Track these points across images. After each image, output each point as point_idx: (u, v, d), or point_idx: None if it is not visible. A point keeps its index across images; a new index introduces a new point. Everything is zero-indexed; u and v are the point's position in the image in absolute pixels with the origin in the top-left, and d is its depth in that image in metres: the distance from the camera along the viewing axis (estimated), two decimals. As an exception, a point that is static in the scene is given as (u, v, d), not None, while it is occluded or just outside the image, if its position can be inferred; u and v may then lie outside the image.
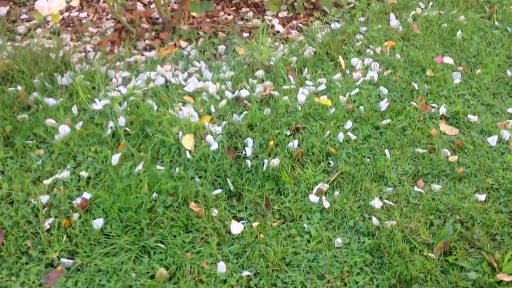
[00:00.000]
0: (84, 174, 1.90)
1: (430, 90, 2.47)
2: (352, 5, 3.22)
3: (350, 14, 3.12)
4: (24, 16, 2.96)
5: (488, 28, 2.92)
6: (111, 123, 2.14)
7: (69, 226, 1.71)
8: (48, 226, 1.70)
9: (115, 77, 2.43)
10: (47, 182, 1.86)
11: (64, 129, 2.07)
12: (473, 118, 2.28)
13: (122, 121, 2.14)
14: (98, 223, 1.72)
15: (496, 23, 2.97)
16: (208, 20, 3.00)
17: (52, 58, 2.43)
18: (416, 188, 1.92)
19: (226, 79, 2.49)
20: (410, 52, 2.73)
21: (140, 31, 2.78)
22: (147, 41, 2.76)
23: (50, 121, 2.11)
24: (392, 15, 3.06)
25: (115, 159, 1.97)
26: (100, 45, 2.71)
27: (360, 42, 2.81)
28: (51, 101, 2.24)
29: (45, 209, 1.76)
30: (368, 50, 2.75)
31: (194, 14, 2.89)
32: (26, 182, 1.85)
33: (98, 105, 2.21)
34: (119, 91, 2.32)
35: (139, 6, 3.00)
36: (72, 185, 1.86)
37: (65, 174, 1.89)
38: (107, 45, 2.71)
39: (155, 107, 2.25)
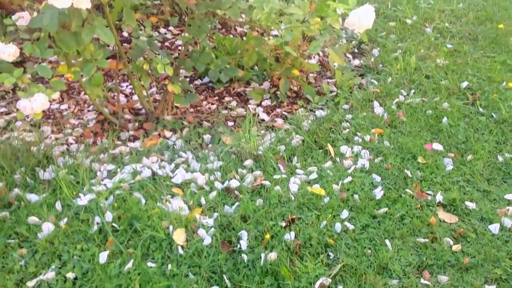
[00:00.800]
0: (70, 275, 1.84)
1: (424, 177, 2.54)
2: (334, 93, 3.36)
3: (333, 102, 3.24)
4: (2, 109, 2.97)
5: (473, 114, 3.07)
6: (97, 219, 2.11)
7: (56, 333, 1.64)
8: (33, 334, 1.62)
9: (100, 170, 2.43)
10: (31, 284, 1.80)
11: (47, 227, 2.03)
12: (471, 205, 2.34)
13: (109, 216, 2.11)
14: (87, 329, 1.65)
15: (481, 109, 3.12)
16: (191, 109, 3.08)
17: (33, 152, 2.43)
18: (422, 280, 1.92)
19: (215, 170, 2.51)
20: (398, 139, 2.83)
21: (123, 122, 2.82)
22: (130, 132, 2.80)
23: (33, 219, 2.07)
24: (376, 103, 3.20)
25: (103, 257, 1.93)
26: (83, 137, 2.73)
27: (347, 130, 2.91)
28: (33, 198, 2.21)
29: (30, 314, 1.69)
30: (356, 138, 2.84)
31: (177, 104, 2.96)
32: (8, 285, 1.78)
33: (83, 200, 2.19)
34: (105, 185, 2.31)
35: (121, 97, 3.06)
36: (57, 286, 1.80)
37: (50, 275, 1.83)
38: (90, 137, 2.73)
39: (143, 201, 2.24)
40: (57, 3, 2.05)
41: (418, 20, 4.31)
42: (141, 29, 3.85)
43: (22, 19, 2.51)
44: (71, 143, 2.68)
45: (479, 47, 3.90)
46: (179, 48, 3.81)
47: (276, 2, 2.51)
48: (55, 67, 3.30)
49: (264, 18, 2.50)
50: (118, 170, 2.43)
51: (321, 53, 3.83)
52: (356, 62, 3.76)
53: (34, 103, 2.18)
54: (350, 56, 3.85)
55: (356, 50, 3.94)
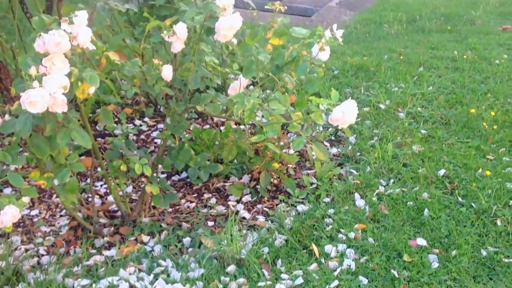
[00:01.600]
0: None
1: (411, 277, 2.46)
2: (315, 185, 3.30)
3: (314, 195, 3.18)
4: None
5: (453, 205, 3.04)
6: None
7: None
8: None
9: (73, 287, 2.27)
10: None
11: None
12: (461, 309, 2.26)
13: None
14: None
15: (460, 199, 3.09)
16: (170, 209, 2.97)
17: (2, 268, 2.27)
18: None
19: (196, 279, 2.38)
20: (382, 234, 2.76)
21: (98, 228, 2.69)
22: (106, 238, 2.66)
23: None
24: (356, 195, 3.15)
25: None
26: (55, 246, 2.58)
27: (331, 227, 2.83)
28: (1, 325, 2.04)
29: None
30: (340, 235, 2.76)
31: (156, 205, 2.85)
32: None
33: (55, 326, 2.03)
34: (79, 306, 2.15)
35: (96, 198, 2.93)
36: None
37: None
38: (63, 246, 2.58)
39: (121, 325, 2.09)
40: (32, 108, 1.97)
41: (391, 104, 4.36)
42: (116, 122, 3.79)
43: (-8, 122, 2.42)
44: (43, 255, 2.52)
45: (452, 131, 3.94)
46: (155, 140, 3.74)
47: (256, 96, 2.47)
48: (25, 167, 3.18)
49: (246, 115, 2.45)
50: (93, 285, 2.28)
51: (298, 142, 3.80)
52: (334, 150, 3.74)
53: (4, 217, 2.05)
54: (327, 144, 3.83)
55: (333, 138, 3.93)
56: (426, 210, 2.98)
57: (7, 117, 2.41)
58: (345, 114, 2.25)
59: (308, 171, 3.48)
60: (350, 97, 4.51)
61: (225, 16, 2.39)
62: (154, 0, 2.87)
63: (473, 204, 3.05)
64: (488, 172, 3.33)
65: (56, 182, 2.37)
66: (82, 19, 2.15)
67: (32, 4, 3.58)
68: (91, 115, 3.75)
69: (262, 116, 2.70)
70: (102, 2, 2.77)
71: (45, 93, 1.97)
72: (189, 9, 2.48)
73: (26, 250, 2.55)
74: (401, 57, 5.43)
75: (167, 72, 2.44)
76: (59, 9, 3.22)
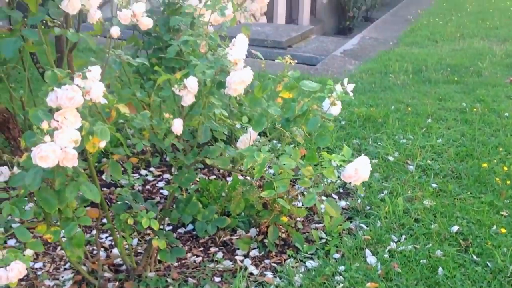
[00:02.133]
0: None
1: None
2: (324, 240, 3.27)
3: (324, 250, 3.15)
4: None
5: (467, 263, 3.00)
6: None
7: None
8: None
9: None
10: None
11: None
12: None
13: None
14: None
15: (474, 257, 3.06)
16: (176, 264, 2.94)
17: (4, 326, 2.23)
18: None
19: None
20: (395, 294, 2.73)
21: (102, 282, 2.66)
22: (110, 294, 2.63)
23: None
24: (367, 251, 3.12)
25: None
26: (58, 302, 2.55)
27: (342, 285, 2.79)
28: None
29: None
30: (351, 294, 2.72)
31: (162, 259, 2.83)
32: None
33: None
34: None
35: (101, 251, 2.91)
36: None
37: None
38: (66, 302, 2.55)
39: None
40: (43, 163, 1.98)
41: (400, 157, 4.37)
42: (122, 171, 3.78)
43: (1, 174, 2.43)
44: (46, 311, 2.49)
45: (464, 186, 3.93)
46: (161, 191, 3.74)
47: (266, 150, 2.48)
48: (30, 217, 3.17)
49: (257, 171, 2.45)
50: None
51: (306, 195, 3.79)
52: (343, 203, 3.73)
53: (11, 273, 2.02)
54: (336, 196, 3.82)
55: (341, 190, 3.92)
56: (440, 268, 2.94)
57: (15, 169, 2.42)
58: (359, 171, 2.25)
59: (317, 225, 3.45)
60: (358, 149, 4.53)
61: (236, 70, 2.43)
62: (164, 53, 2.93)
63: (488, 263, 3.01)
64: (503, 230, 3.31)
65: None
66: (95, 74, 2.19)
67: (41, 53, 3.65)
68: (96, 164, 3.76)
69: (270, 167, 2.71)
70: (114, 55, 2.83)
71: (56, 148, 1.98)
72: (200, 63, 2.53)
73: (29, 306, 2.52)
74: (409, 108, 5.47)
75: (177, 126, 2.47)
76: (70, 61, 3.28)
